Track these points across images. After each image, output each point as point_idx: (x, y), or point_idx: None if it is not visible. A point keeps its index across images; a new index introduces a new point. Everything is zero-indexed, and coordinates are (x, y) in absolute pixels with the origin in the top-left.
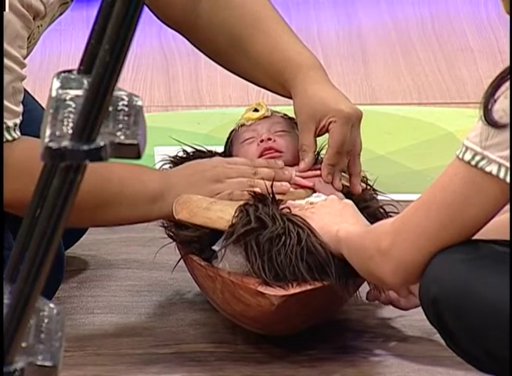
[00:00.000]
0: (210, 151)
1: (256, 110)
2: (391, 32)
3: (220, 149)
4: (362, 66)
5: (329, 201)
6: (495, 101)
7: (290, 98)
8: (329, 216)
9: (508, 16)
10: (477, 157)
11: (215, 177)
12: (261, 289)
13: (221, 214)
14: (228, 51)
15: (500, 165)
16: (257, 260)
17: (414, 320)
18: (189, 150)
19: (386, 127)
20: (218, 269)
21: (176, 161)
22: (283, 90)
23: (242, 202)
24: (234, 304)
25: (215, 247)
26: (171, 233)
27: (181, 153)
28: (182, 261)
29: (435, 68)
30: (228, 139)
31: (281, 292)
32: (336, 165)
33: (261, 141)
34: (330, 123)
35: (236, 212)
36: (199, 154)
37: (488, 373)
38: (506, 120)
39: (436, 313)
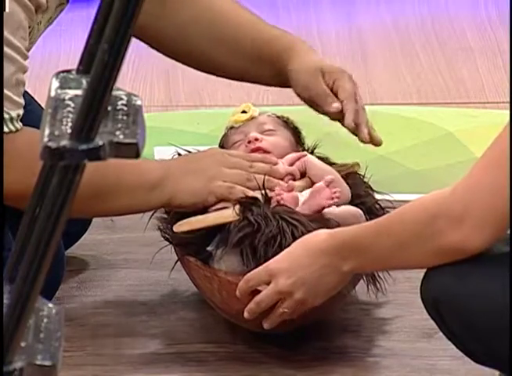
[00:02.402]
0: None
1: (244, 112)
2: (391, 32)
3: None
4: (362, 66)
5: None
6: None
7: (279, 86)
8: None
9: (508, 16)
10: None
11: (214, 164)
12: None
13: (219, 215)
14: (211, 55)
15: None
16: (252, 264)
17: (414, 320)
18: (183, 153)
19: (386, 127)
20: (215, 270)
21: None
22: (273, 71)
23: (237, 207)
24: (232, 303)
25: (210, 248)
26: (167, 236)
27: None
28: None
29: (435, 68)
30: (220, 143)
31: None
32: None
33: (249, 142)
34: (335, 81)
35: (235, 210)
36: None
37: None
38: None
39: (438, 314)
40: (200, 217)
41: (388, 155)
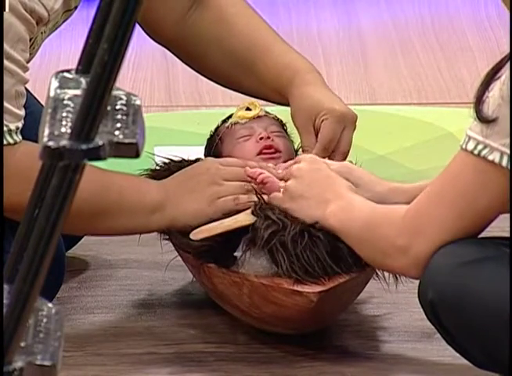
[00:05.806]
0: (187, 160)
1: (248, 109)
2: (391, 32)
3: None
4: (362, 66)
5: (310, 169)
6: (486, 98)
7: (285, 105)
8: (312, 197)
9: (508, 17)
10: (480, 146)
11: (211, 180)
12: (298, 288)
13: (235, 219)
14: (226, 68)
15: (502, 153)
16: (285, 261)
17: (414, 320)
18: (182, 154)
19: (386, 127)
20: (245, 274)
21: (155, 175)
22: (280, 96)
23: (252, 208)
24: (264, 306)
25: (237, 254)
26: (180, 251)
27: (158, 167)
28: (182, 265)
29: (435, 68)
30: (213, 137)
31: (318, 288)
32: None
33: (261, 138)
34: (323, 121)
35: (255, 210)
36: (179, 165)
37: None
38: (498, 113)
39: (435, 316)
40: (214, 224)
41: (388, 155)
